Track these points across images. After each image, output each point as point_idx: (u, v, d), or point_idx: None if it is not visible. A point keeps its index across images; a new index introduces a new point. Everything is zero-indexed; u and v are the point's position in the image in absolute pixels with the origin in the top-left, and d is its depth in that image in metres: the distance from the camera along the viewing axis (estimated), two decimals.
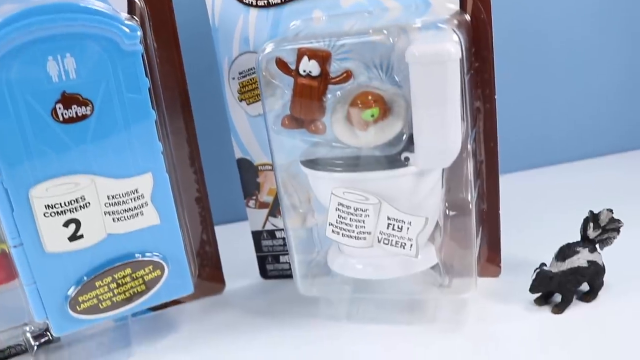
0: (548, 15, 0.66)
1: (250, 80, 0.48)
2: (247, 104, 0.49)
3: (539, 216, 0.60)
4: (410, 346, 0.43)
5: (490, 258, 0.49)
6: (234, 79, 0.48)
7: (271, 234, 0.52)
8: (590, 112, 0.70)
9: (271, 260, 0.53)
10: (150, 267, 0.44)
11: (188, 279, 0.46)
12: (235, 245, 0.57)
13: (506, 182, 0.60)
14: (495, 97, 0.45)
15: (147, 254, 0.44)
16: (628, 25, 0.67)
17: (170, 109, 0.47)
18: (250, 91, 0.48)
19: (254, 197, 0.51)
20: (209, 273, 0.52)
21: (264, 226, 0.52)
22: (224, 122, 0.50)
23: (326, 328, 0.47)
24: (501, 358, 0.41)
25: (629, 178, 0.66)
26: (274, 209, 0.51)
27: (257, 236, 0.53)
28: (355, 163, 0.42)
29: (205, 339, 0.47)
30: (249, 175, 0.51)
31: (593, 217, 0.45)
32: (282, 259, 0.53)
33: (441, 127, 0.39)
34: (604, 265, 0.45)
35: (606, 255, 0.46)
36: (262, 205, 0.51)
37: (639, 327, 0.42)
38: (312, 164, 0.43)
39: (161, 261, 0.44)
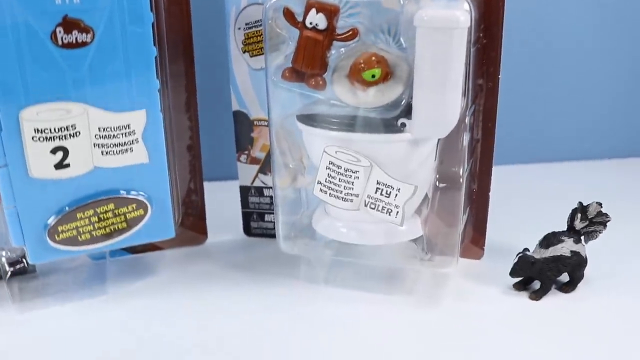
0: (556, 17, 0.65)
1: (256, 32, 0.47)
2: (250, 56, 0.48)
3: (530, 207, 0.59)
4: (384, 315, 0.43)
5: (475, 239, 0.49)
6: (239, 29, 0.48)
7: (259, 191, 0.52)
8: (592, 115, 0.70)
9: (256, 217, 0.53)
10: (134, 205, 0.44)
11: (170, 223, 0.45)
12: (222, 201, 0.56)
13: (503, 172, 0.61)
14: (500, 76, 0.45)
15: (133, 192, 0.44)
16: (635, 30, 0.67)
17: (172, 51, 0.47)
18: (254, 43, 0.48)
19: (246, 152, 0.51)
20: (192, 222, 0.52)
21: (252, 182, 0.52)
22: (225, 73, 0.50)
23: (303, 289, 0.46)
24: (473, 336, 0.41)
25: (624, 182, 0.66)
26: (265, 166, 0.51)
27: (244, 192, 0.52)
28: (351, 123, 0.41)
29: (180, 285, 0.47)
30: (243, 129, 0.50)
31: (581, 209, 0.45)
32: (267, 217, 0.52)
33: (441, 95, 0.39)
34: (586, 258, 0.45)
35: (591, 250, 0.46)
36: (254, 160, 0.51)
37: (611, 324, 0.42)
38: (308, 120, 0.42)
39: (145, 201, 0.44)
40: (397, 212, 0.41)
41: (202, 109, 0.49)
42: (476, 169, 0.47)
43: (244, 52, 0.48)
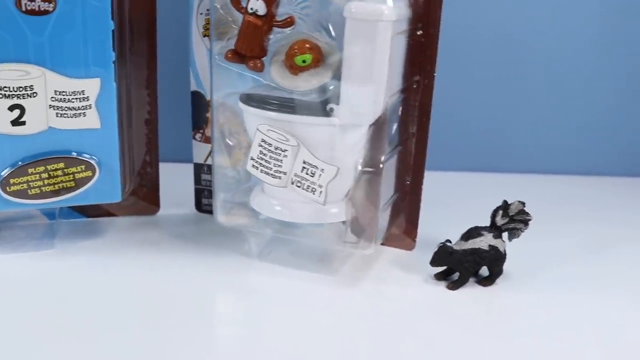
0: (532, 24, 0.68)
1: None
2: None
3: (471, 210, 0.58)
4: (303, 289, 0.45)
5: (407, 231, 0.51)
6: (201, 14, 0.51)
7: (211, 169, 0.55)
8: (558, 130, 0.71)
9: (207, 194, 0.56)
10: (83, 166, 0.47)
11: (117, 188, 0.49)
12: (179, 180, 0.59)
13: (449, 177, 0.63)
14: (435, 74, 0.47)
15: (85, 155, 0.47)
16: (617, 44, 0.69)
17: (136, 28, 0.50)
18: (220, 31, 0.51)
19: (201, 131, 0.54)
20: (146, 193, 0.55)
21: (205, 160, 0.55)
22: (187, 55, 0.53)
23: (238, 261, 0.49)
24: (383, 316, 0.43)
25: (569, 193, 0.67)
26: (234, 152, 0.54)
27: (198, 169, 0.55)
28: (285, 105, 0.44)
29: (126, 249, 0.50)
30: (200, 108, 0.53)
31: (504, 206, 0.47)
32: (222, 196, 0.55)
33: (365, 85, 0.42)
34: (505, 253, 0.47)
35: (518, 249, 0.48)
36: (208, 139, 0.54)
37: (523, 321, 0.43)
38: (248, 100, 0.45)
39: (94, 164, 0.47)
40: (321, 191, 0.44)
41: (163, 87, 0.53)
42: (410, 162, 0.49)
43: (204, 36, 0.51)
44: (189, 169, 0.57)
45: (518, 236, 0.48)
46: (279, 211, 0.47)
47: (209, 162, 0.55)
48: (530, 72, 0.69)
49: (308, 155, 0.44)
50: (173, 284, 0.46)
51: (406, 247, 0.51)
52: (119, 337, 0.39)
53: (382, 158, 0.44)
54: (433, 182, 0.54)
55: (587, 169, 0.73)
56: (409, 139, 0.49)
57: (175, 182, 0.58)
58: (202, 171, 0.55)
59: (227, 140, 0.48)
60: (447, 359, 0.39)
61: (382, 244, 0.52)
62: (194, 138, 0.55)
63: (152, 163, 0.54)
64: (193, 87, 0.53)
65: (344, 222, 0.47)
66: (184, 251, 0.50)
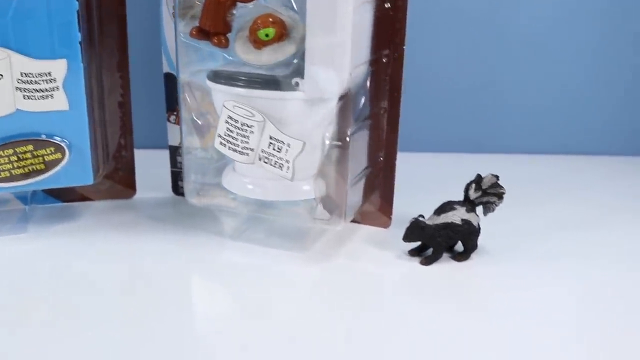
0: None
1: None
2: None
3: (449, 190, 0.54)
4: (274, 265, 0.45)
5: (382, 208, 0.51)
6: None
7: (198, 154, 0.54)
8: (537, 108, 0.70)
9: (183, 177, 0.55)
10: (52, 148, 0.47)
11: (89, 170, 0.48)
12: (156, 164, 0.59)
13: (426, 158, 0.62)
14: (404, 47, 0.46)
15: (56, 138, 0.47)
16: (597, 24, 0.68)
17: (106, 10, 0.50)
18: (184, 8, 0.50)
19: (175, 113, 0.54)
20: (121, 177, 0.55)
21: (180, 142, 0.54)
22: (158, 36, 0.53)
23: (213, 241, 0.49)
24: (351, 290, 0.43)
25: (552, 178, 0.66)
26: (204, 132, 0.53)
27: (173, 151, 0.55)
28: (253, 81, 0.43)
29: (102, 232, 0.50)
30: (173, 90, 0.53)
31: (477, 179, 0.46)
32: (206, 181, 0.55)
33: (329, 55, 0.41)
34: (479, 228, 0.46)
35: (495, 226, 0.47)
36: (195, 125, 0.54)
37: (497, 296, 0.43)
38: (215, 77, 0.45)
39: (64, 146, 0.47)
40: (288, 167, 0.43)
41: (136, 70, 0.52)
42: (383, 138, 0.49)
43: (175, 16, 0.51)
44: (165, 153, 0.57)
45: (493, 210, 0.47)
46: (250, 189, 0.46)
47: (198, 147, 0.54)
48: (507, 45, 0.67)
49: (274, 130, 0.43)
50: (148, 265, 0.46)
51: (382, 224, 0.51)
52: (95, 319, 0.39)
53: (349, 131, 0.43)
54: (410, 163, 0.54)
55: (565, 147, 0.71)
56: (380, 115, 0.48)
57: (152, 166, 0.58)
58: (177, 154, 0.55)
59: (197, 120, 0.47)
60: (418, 334, 0.38)
61: (357, 222, 0.51)
62: (169, 120, 0.54)
63: (127, 146, 0.54)
64: (165, 68, 0.53)
65: (315, 199, 0.47)
66: (159, 233, 0.50)
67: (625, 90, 0.71)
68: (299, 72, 0.42)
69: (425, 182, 0.60)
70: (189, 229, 0.51)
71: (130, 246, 0.48)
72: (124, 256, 0.47)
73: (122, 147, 0.54)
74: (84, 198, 0.54)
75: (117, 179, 0.54)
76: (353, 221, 0.51)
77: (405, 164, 0.52)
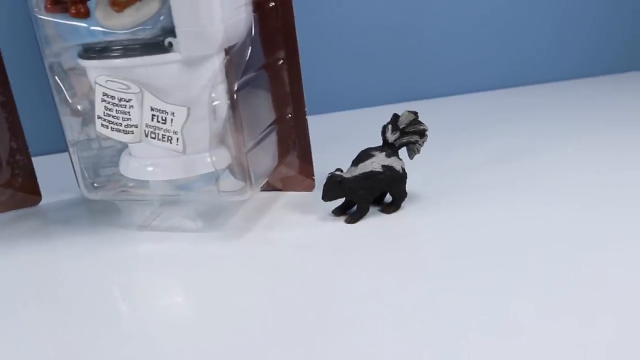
0: None
1: None
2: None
3: (374, 142, 0.53)
4: (187, 250, 0.41)
5: (303, 170, 0.46)
6: None
7: (85, 144, 0.50)
8: (464, 44, 0.66)
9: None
10: None
11: None
12: (61, 166, 0.54)
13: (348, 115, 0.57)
14: None
15: None
16: None
17: None
18: None
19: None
20: (22, 183, 0.50)
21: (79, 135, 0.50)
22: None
23: (124, 236, 0.44)
24: (268, 261, 0.39)
25: (482, 116, 0.62)
26: (87, 118, 0.49)
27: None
28: (122, 50, 0.39)
29: (9, 242, 0.45)
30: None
31: (392, 119, 0.42)
32: (101, 172, 0.50)
33: (197, 6, 0.36)
34: (404, 172, 0.42)
35: (426, 167, 0.43)
36: (76, 112, 0.49)
37: (431, 244, 0.39)
38: (85, 53, 0.40)
39: None
40: (177, 138, 0.39)
41: (14, 65, 0.48)
42: (287, 91, 0.44)
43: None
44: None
45: (418, 151, 0.43)
46: (151, 172, 0.42)
47: (82, 137, 0.50)
48: None
49: (154, 100, 0.38)
50: (63, 269, 0.41)
51: (306, 188, 0.46)
52: (22, 331, 0.34)
53: (235, 86, 0.39)
54: (333, 123, 0.50)
55: (488, 85, 0.68)
56: (278, 66, 0.44)
57: (56, 168, 0.53)
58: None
59: (76, 106, 0.43)
60: (347, 301, 0.34)
61: (279, 190, 0.47)
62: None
63: (20, 149, 0.49)
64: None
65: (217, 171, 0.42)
66: (70, 234, 0.46)
67: (554, 20, 0.67)
68: (171, 31, 0.38)
69: (350, 138, 0.54)
70: (102, 227, 0.46)
71: (41, 253, 0.43)
72: (34, 263, 0.42)
73: (14, 151, 0.49)
74: None
75: (18, 186, 0.49)
76: (275, 189, 0.47)
77: (328, 124, 0.47)
